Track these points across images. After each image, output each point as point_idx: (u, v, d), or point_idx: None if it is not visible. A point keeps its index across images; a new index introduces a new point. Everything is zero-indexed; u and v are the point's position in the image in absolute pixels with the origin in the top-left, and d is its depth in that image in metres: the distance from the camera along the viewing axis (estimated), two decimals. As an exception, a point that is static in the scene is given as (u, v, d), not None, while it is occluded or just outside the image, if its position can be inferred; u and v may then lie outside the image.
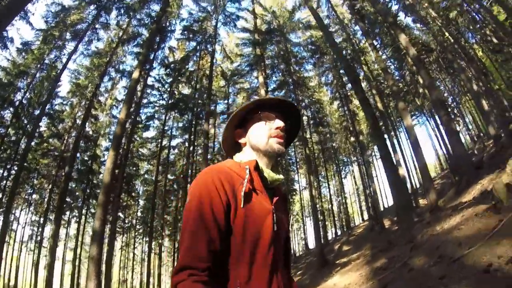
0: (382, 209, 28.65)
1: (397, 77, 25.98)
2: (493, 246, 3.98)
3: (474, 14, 24.12)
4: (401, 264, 6.21)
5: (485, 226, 4.84)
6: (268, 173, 1.11)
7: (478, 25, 24.11)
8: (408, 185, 21.98)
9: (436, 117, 23.36)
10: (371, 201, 19.80)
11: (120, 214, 24.78)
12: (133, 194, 22.60)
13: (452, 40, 22.70)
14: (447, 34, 22.65)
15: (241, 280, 0.94)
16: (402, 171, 17.81)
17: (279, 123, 1.14)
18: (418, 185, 29.60)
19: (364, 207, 33.30)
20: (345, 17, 22.61)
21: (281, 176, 1.15)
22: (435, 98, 10.95)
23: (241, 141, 1.19)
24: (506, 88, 27.64)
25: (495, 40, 22.16)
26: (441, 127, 22.36)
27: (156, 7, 16.03)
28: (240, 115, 1.16)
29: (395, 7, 23.60)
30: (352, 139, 23.67)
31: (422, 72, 11.93)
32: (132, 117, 17.40)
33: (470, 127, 32.70)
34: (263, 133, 1.13)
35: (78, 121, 18.79)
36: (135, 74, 12.49)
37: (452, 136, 10.47)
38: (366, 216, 30.90)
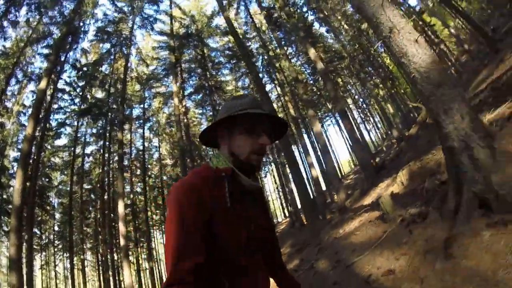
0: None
1: (311, 81, 27.81)
2: (376, 256, 4.27)
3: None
4: (309, 267, 6.54)
5: (375, 235, 5.24)
6: (245, 180, 1.11)
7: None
8: (324, 184, 23.48)
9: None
10: (289, 199, 20.82)
11: (36, 230, 22.88)
12: (47, 207, 20.92)
13: (361, 50, 24.76)
14: (357, 44, 24.68)
15: (226, 281, 0.99)
16: (316, 172, 18.95)
17: (265, 140, 1.12)
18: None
19: (285, 204, 34.60)
20: (263, 24, 23.63)
21: (257, 183, 1.16)
22: (339, 109, 11.91)
23: (222, 142, 1.17)
24: (410, 93, 30.99)
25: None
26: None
27: (70, 5, 15.07)
28: (229, 117, 1.11)
29: (311, 17, 25.37)
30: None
31: (328, 85, 12.69)
32: (42, 124, 16.24)
33: (380, 125, 35.86)
34: (247, 146, 1.11)
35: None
36: (43, 84, 11.70)
37: (355, 143, 11.35)
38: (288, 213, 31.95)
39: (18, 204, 9.74)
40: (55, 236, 23.52)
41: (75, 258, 22.50)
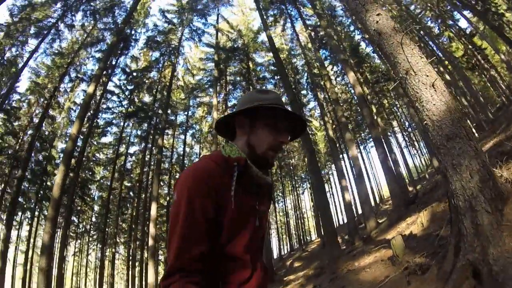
0: (337, 225, 29.38)
1: (355, 102, 27.37)
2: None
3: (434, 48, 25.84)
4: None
5: (380, 276, 5.18)
6: (257, 172, 1.10)
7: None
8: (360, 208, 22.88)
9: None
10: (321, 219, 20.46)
11: (74, 218, 24.44)
12: (87, 199, 22.31)
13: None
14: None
15: (225, 275, 0.99)
16: (349, 196, 18.55)
17: (285, 138, 1.15)
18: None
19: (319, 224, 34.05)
20: (308, 42, 23.80)
21: (268, 178, 1.16)
22: (374, 136, 11.68)
23: (240, 132, 1.16)
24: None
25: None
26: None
27: (123, 14, 16.18)
28: (254, 108, 1.10)
29: (358, 37, 25.20)
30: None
31: (365, 110, 12.41)
32: (90, 122, 17.52)
33: (424, 151, 34.26)
34: (267, 141, 1.11)
35: (35, 120, 18.58)
36: (90, 89, 12.37)
37: (387, 173, 11.01)
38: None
39: (56, 196, 10.42)
40: (91, 227, 24.91)
41: (107, 250, 23.78)
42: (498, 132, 8.71)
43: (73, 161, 17.39)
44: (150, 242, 13.95)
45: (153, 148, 20.20)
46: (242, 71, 20.37)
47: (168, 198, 23.66)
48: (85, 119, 13.18)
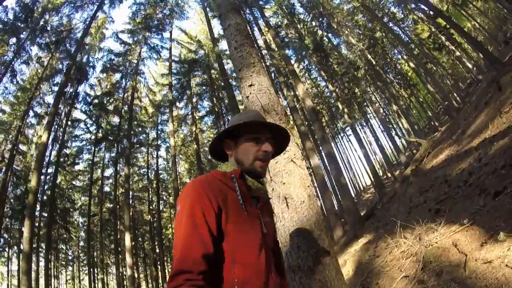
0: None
1: (327, 93, 27.59)
2: None
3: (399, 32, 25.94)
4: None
5: None
6: (252, 182, 1.18)
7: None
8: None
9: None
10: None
11: (62, 246, 24.48)
12: (71, 227, 22.28)
13: (373, 61, 24.21)
14: (369, 56, 24.18)
15: (238, 282, 0.99)
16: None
17: (267, 147, 1.20)
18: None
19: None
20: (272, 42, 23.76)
21: (264, 187, 1.25)
22: (326, 152, 11.45)
23: (228, 152, 1.26)
24: (431, 100, 29.86)
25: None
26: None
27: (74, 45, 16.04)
28: (233, 129, 1.21)
29: (320, 32, 25.23)
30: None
31: (316, 125, 12.13)
32: (58, 153, 17.46)
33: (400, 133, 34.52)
34: (251, 153, 1.18)
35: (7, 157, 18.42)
36: (44, 138, 12.18)
37: (342, 190, 10.84)
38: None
39: (27, 250, 10.41)
40: (79, 252, 24.96)
41: (100, 273, 23.90)
42: (454, 138, 8.65)
43: (47, 194, 17.52)
44: (128, 272, 13.92)
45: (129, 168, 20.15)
46: (207, 82, 20.28)
47: (154, 213, 23.76)
48: (41, 172, 12.91)
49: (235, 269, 1.00)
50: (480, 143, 5.73)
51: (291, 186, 2.78)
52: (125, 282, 19.67)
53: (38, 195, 17.98)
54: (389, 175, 24.54)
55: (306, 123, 22.72)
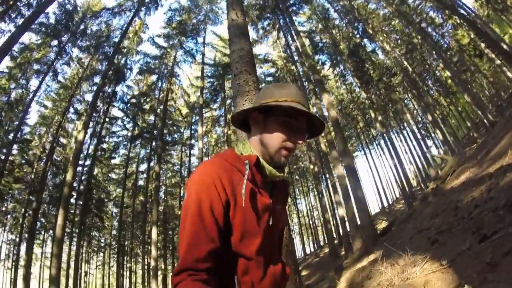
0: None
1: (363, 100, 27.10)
2: None
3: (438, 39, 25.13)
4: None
5: None
6: (270, 170, 1.07)
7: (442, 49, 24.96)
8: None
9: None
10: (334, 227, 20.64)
11: (96, 233, 26.08)
12: (104, 216, 23.66)
13: (410, 68, 23.58)
14: (405, 62, 23.60)
15: (238, 274, 1.00)
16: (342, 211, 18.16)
17: (300, 138, 1.08)
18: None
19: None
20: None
21: (282, 174, 1.11)
22: (346, 164, 11.34)
23: (254, 127, 1.13)
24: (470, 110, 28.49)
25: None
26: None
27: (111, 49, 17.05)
28: (268, 106, 1.05)
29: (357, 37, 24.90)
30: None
31: (338, 136, 11.98)
32: (94, 148, 18.67)
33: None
34: (280, 140, 1.05)
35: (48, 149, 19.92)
36: (80, 136, 13.16)
37: (359, 204, 10.72)
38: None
39: (59, 236, 11.53)
40: (111, 240, 26.44)
41: (130, 261, 25.23)
42: (478, 158, 8.38)
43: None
44: (152, 263, 14.77)
45: (161, 165, 21.03)
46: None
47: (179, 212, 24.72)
48: (76, 167, 13.92)
49: (238, 261, 1.00)
50: (497, 170, 5.57)
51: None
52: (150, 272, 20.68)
53: (75, 185, 19.39)
54: (422, 186, 23.85)
55: (333, 133, 22.62)
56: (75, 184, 19.35)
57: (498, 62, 22.35)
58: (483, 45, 23.16)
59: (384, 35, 24.37)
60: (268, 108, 1.06)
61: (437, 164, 24.56)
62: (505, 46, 20.28)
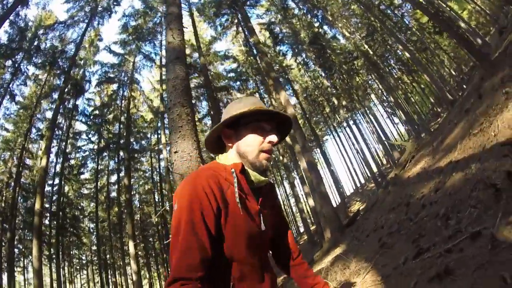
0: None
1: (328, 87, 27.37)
2: None
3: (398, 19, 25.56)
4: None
5: None
6: (254, 175, 1.09)
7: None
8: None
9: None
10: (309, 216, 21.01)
11: (76, 251, 25.37)
12: (81, 234, 23.03)
13: (370, 51, 23.89)
14: (365, 46, 23.88)
15: (234, 280, 0.99)
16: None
17: (273, 138, 1.11)
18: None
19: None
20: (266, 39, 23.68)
21: (267, 179, 1.15)
22: (307, 160, 11.29)
23: (228, 143, 1.15)
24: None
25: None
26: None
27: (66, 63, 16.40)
28: (236, 117, 1.09)
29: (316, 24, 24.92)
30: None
31: (297, 133, 11.98)
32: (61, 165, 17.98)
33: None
34: (256, 145, 1.09)
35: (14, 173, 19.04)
36: (43, 163, 12.65)
37: (322, 198, 10.63)
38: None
39: (37, 267, 11.22)
40: (92, 256, 25.83)
41: (113, 276, 24.75)
42: (434, 145, 8.54)
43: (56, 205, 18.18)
44: (134, 277, 14.51)
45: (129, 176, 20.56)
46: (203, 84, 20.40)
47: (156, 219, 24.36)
48: (43, 195, 13.36)
49: (232, 267, 1.00)
50: (446, 165, 5.74)
51: None
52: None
53: (47, 206, 18.71)
54: (392, 164, 24.48)
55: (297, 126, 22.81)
56: (47, 205, 18.72)
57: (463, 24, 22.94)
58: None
59: (344, 20, 24.54)
60: (235, 120, 1.10)
61: (399, 146, 25.23)
62: (462, 24, 20.84)
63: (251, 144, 1.08)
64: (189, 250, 0.89)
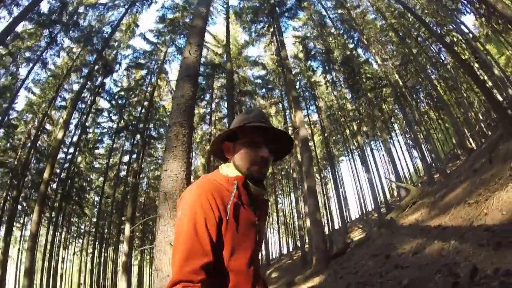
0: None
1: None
2: None
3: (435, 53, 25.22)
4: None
5: None
6: (254, 188, 1.14)
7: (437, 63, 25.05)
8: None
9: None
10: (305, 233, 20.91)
11: (76, 219, 26.14)
12: (85, 204, 23.72)
13: (400, 81, 23.59)
14: (396, 76, 23.63)
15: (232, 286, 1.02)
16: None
17: (264, 152, 1.15)
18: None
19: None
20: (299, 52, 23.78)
21: (265, 192, 1.21)
22: (309, 185, 11.31)
23: (228, 156, 1.22)
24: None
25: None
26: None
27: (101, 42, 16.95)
28: (231, 131, 1.18)
29: (351, 45, 24.81)
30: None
31: (305, 156, 11.88)
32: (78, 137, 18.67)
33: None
34: (247, 160, 1.14)
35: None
36: (59, 135, 13.25)
37: (315, 226, 10.68)
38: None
39: (34, 231, 11.90)
40: (90, 227, 26.57)
41: (109, 249, 25.44)
42: (436, 198, 8.43)
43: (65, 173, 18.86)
44: (124, 258, 14.93)
45: (143, 159, 21.01)
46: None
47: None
48: (54, 165, 13.82)
49: (230, 275, 1.03)
50: (435, 227, 5.73)
51: (162, 263, 3.48)
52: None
53: (58, 170, 19.38)
54: (399, 197, 24.11)
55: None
56: (58, 171, 19.40)
57: (490, 84, 22.42)
58: (477, 65, 23.22)
59: (379, 46, 24.32)
60: (234, 133, 1.18)
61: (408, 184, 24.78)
62: (496, 71, 20.33)
63: (243, 158, 1.14)
64: (192, 254, 0.92)
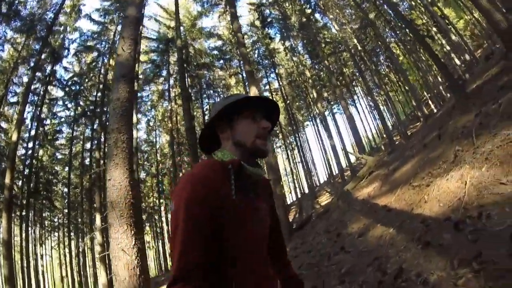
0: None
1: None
2: None
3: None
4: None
5: None
6: (251, 170, 1.09)
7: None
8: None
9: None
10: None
11: (48, 213, 25.55)
12: (55, 197, 23.23)
13: (359, 46, 23.74)
14: (355, 40, 23.73)
15: (235, 279, 0.97)
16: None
17: (266, 123, 1.15)
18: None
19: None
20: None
21: (263, 172, 1.17)
22: (267, 160, 11.33)
23: (223, 135, 1.17)
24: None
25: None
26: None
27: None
28: (227, 109, 1.12)
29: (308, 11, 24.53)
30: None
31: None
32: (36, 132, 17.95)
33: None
34: (251, 132, 1.12)
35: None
36: (14, 137, 12.53)
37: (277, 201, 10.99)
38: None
39: (6, 239, 11.36)
40: (63, 219, 26.13)
41: (86, 238, 25.13)
42: (389, 170, 8.24)
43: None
44: (99, 248, 14.83)
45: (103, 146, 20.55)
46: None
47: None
48: (14, 169, 13.26)
49: (236, 265, 0.98)
50: (382, 207, 5.66)
51: (118, 268, 3.63)
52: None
53: (21, 167, 18.71)
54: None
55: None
56: (20, 167, 18.67)
57: (448, 48, 22.93)
58: (434, 29, 23.60)
59: (337, 10, 24.21)
60: (228, 112, 1.13)
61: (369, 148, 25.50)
62: (453, 37, 20.76)
63: (247, 132, 1.12)
64: (189, 248, 0.88)
